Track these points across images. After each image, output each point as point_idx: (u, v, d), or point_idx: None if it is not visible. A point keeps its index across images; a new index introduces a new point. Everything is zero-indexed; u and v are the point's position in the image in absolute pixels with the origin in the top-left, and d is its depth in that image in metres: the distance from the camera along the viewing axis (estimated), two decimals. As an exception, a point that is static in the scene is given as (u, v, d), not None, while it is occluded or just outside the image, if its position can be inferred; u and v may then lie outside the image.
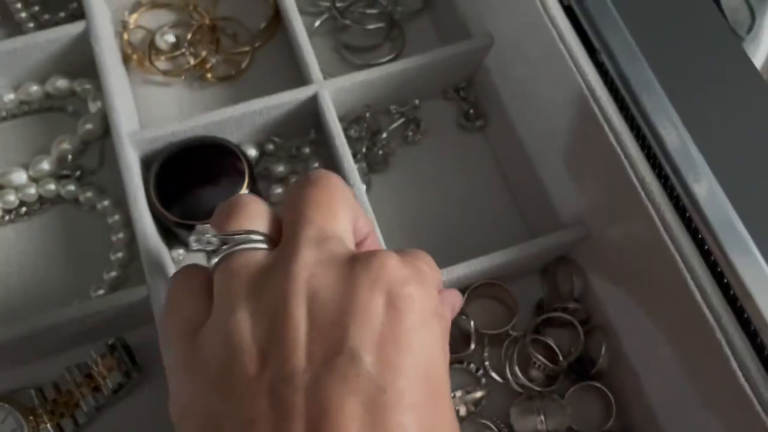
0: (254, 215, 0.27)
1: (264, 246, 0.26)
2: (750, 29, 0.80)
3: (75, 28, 0.47)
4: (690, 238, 0.35)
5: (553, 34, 0.40)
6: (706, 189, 0.35)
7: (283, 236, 0.27)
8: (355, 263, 0.25)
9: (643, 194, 0.36)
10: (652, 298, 0.38)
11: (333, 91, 0.45)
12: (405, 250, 0.28)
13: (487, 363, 0.42)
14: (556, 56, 0.40)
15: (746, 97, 0.39)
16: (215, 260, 0.26)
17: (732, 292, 0.33)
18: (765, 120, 0.38)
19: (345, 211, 0.27)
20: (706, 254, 0.34)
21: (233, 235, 0.26)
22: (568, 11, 0.40)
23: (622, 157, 0.37)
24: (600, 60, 0.39)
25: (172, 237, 0.44)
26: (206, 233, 0.26)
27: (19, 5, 0.52)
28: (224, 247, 0.26)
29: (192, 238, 0.27)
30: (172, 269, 0.44)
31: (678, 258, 0.34)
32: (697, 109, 0.37)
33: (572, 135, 0.41)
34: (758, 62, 0.86)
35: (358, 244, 0.29)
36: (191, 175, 0.43)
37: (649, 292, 0.38)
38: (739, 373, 0.32)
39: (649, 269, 0.37)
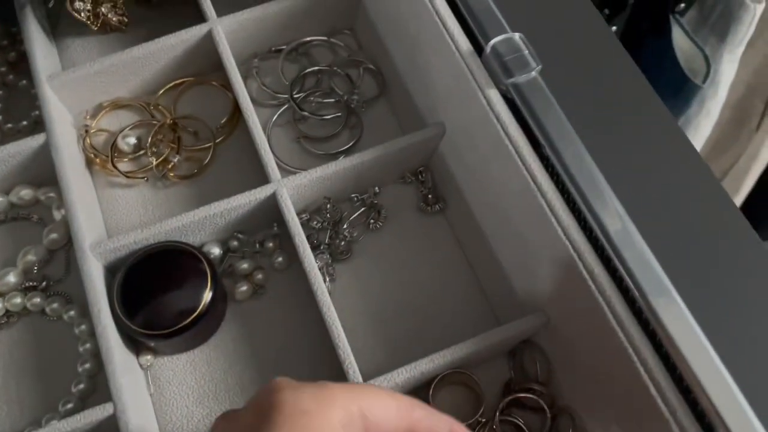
0: None
1: None
2: (706, 77, 0.82)
3: (36, 140, 0.47)
4: (640, 328, 0.35)
5: (498, 128, 0.41)
6: (650, 277, 0.36)
7: None
8: None
9: (593, 286, 0.37)
10: (607, 384, 0.38)
11: (291, 188, 0.46)
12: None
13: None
14: (502, 149, 0.41)
15: (687, 181, 0.40)
16: None
17: (685, 384, 0.34)
18: (700, 197, 0.40)
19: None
20: (657, 345, 0.35)
21: None
22: (512, 105, 0.42)
23: (571, 249, 0.38)
24: (544, 154, 0.40)
25: (139, 343, 0.45)
26: None
27: (-18, 115, 0.53)
28: None
29: None
30: (140, 378, 0.44)
31: (630, 349, 0.35)
32: (640, 197, 0.39)
33: (523, 224, 0.41)
34: (718, 105, 0.89)
35: None
36: (154, 282, 0.44)
37: (604, 379, 0.38)
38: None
39: (603, 357, 0.37)
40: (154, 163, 0.51)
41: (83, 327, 0.45)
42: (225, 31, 0.51)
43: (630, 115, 0.42)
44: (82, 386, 0.43)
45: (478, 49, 0.43)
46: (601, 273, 0.37)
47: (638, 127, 0.42)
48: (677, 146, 0.41)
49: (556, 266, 0.39)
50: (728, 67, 0.84)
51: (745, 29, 0.79)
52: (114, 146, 0.51)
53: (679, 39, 0.80)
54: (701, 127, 0.90)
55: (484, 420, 0.43)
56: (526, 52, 0.42)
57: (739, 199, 1.14)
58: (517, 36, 0.42)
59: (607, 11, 0.74)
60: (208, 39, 0.52)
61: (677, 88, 0.81)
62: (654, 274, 0.36)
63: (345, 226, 0.49)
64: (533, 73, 0.41)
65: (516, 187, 0.41)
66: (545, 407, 0.43)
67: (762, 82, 0.98)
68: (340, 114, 0.53)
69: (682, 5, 0.79)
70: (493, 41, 0.42)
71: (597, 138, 0.40)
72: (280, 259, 0.48)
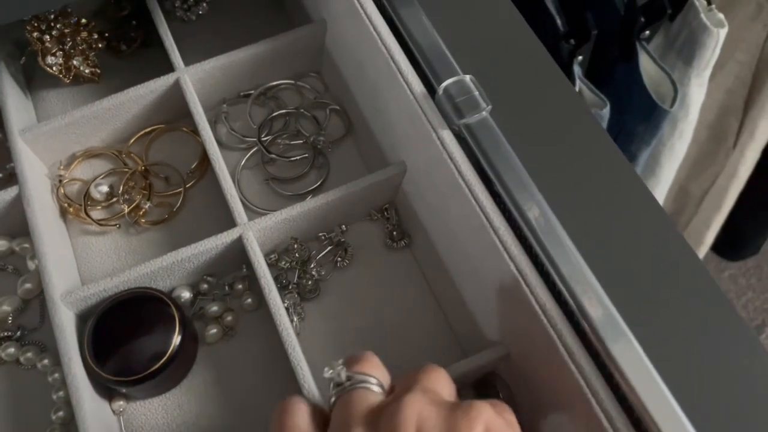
0: (376, 366, 0.34)
1: (379, 389, 0.33)
2: (673, 101, 0.84)
3: (8, 193, 0.49)
4: (591, 361, 0.36)
5: (451, 167, 0.42)
6: (601, 313, 0.37)
7: (395, 390, 0.33)
8: (457, 407, 0.31)
9: (544, 320, 0.38)
10: (564, 417, 0.39)
11: (258, 231, 0.47)
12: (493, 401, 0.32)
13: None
14: (457, 187, 0.42)
15: (638, 218, 0.41)
16: (335, 391, 0.33)
17: (635, 416, 0.35)
18: (652, 230, 0.41)
19: (450, 384, 0.34)
20: (608, 376, 0.36)
21: (358, 374, 0.33)
22: (464, 144, 0.43)
23: (524, 285, 0.39)
24: (496, 191, 0.41)
25: (111, 389, 0.46)
26: (339, 367, 0.33)
27: (-42, 170, 0.54)
28: (348, 382, 0.32)
29: (326, 369, 0.33)
30: (113, 424, 0.45)
31: (582, 382, 0.36)
32: (589, 232, 0.40)
33: (479, 260, 0.43)
34: (690, 127, 0.90)
35: None
36: (124, 328, 0.45)
37: (561, 412, 0.39)
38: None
39: (557, 389, 0.38)
40: (126, 210, 0.52)
41: (56, 375, 0.46)
42: (192, 79, 0.53)
43: (577, 149, 0.44)
44: (55, 434, 0.44)
45: (431, 90, 0.44)
46: (553, 307, 0.38)
47: (587, 163, 0.43)
48: (626, 181, 0.43)
49: (511, 301, 0.40)
50: (697, 90, 0.86)
51: (710, 53, 0.81)
52: (87, 195, 0.53)
53: (646, 64, 0.82)
54: (675, 149, 0.92)
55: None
56: (476, 93, 0.43)
57: (721, 217, 1.15)
58: (467, 78, 0.44)
59: (573, 41, 0.76)
60: (176, 87, 0.53)
61: (647, 113, 0.83)
62: (605, 308, 0.37)
63: (312, 265, 0.50)
64: (484, 113, 0.43)
65: (471, 224, 0.42)
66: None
67: (735, 102, 1.00)
68: (307, 155, 0.55)
69: (647, 32, 0.81)
70: (444, 83, 0.43)
71: (546, 174, 0.41)
72: (249, 300, 0.49)
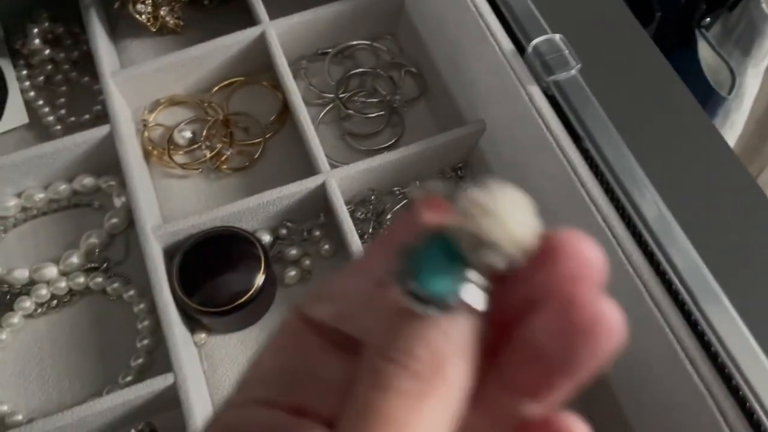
0: None
1: None
2: (731, 89, 0.84)
3: (100, 131, 0.51)
4: (677, 309, 0.37)
5: (539, 123, 0.44)
6: (685, 258, 0.38)
7: None
8: None
9: (631, 270, 0.39)
10: (646, 368, 0.40)
11: (339, 179, 0.49)
12: None
13: None
14: (544, 144, 0.43)
15: (718, 172, 0.42)
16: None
17: (720, 360, 0.36)
18: (734, 190, 0.42)
19: None
20: (692, 323, 0.37)
21: None
22: (553, 102, 0.44)
23: (610, 235, 0.40)
24: (584, 147, 0.42)
25: (194, 322, 0.47)
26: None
27: (46, 109, 0.56)
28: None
29: None
30: (195, 355, 0.46)
31: (667, 329, 0.37)
32: (676, 188, 0.41)
33: (562, 217, 0.44)
34: (742, 118, 0.90)
35: None
36: (211, 264, 0.46)
37: (644, 363, 0.40)
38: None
39: (642, 341, 0.39)
40: (208, 155, 0.54)
41: (142, 306, 0.48)
42: (277, 33, 0.54)
43: (664, 112, 0.45)
44: (140, 361, 0.46)
45: (519, 49, 0.46)
46: (640, 260, 0.39)
47: (673, 124, 0.44)
48: (712, 144, 0.44)
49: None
50: (752, 81, 0.86)
51: (770, 43, 0.81)
52: (170, 139, 0.54)
53: (704, 52, 0.82)
54: (726, 140, 0.92)
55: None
56: (566, 51, 0.44)
57: (761, 213, 1.15)
58: (557, 37, 0.45)
59: (635, 23, 0.76)
60: (261, 40, 0.55)
61: (703, 100, 0.83)
62: (691, 260, 0.38)
63: (388, 217, 0.51)
64: (573, 72, 0.44)
65: (556, 180, 0.43)
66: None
67: (785, 97, 1.00)
68: (382, 113, 0.56)
69: (708, 20, 0.82)
70: (534, 41, 0.45)
71: (634, 133, 0.42)
72: (326, 246, 0.50)
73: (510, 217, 0.16)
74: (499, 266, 0.16)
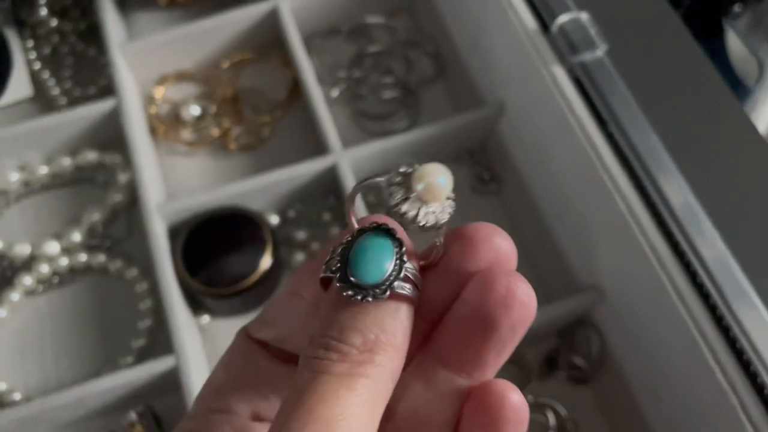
0: None
1: None
2: (758, 79, 0.81)
3: (106, 105, 0.49)
4: (701, 302, 0.35)
5: (562, 105, 0.42)
6: (713, 249, 0.36)
7: None
8: None
9: (653, 260, 0.37)
10: (665, 360, 0.38)
11: (351, 161, 0.47)
12: None
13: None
14: (566, 127, 0.41)
15: (748, 158, 0.40)
16: None
17: (744, 358, 0.34)
18: (765, 179, 0.40)
19: None
20: (717, 317, 0.35)
21: None
22: (577, 83, 0.42)
23: (633, 224, 0.38)
24: (609, 131, 0.40)
25: (197, 304, 0.46)
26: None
27: (52, 82, 0.54)
28: None
29: None
30: (196, 337, 0.45)
31: (690, 323, 0.35)
32: (703, 173, 0.39)
33: (584, 201, 0.42)
34: (766, 115, 0.88)
35: None
36: (215, 244, 0.45)
37: (663, 355, 0.38)
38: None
39: (664, 333, 0.38)
40: (216, 133, 0.52)
41: (144, 285, 0.46)
42: (290, 7, 0.53)
43: (693, 96, 0.42)
44: (141, 342, 0.44)
45: (543, 27, 0.43)
46: (663, 248, 0.37)
47: (702, 109, 0.42)
48: (742, 129, 0.41)
49: (617, 242, 0.39)
50: (780, 72, 0.84)
51: (800, 33, 0.78)
52: (178, 116, 0.53)
53: (731, 41, 0.79)
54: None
55: (530, 396, 0.44)
56: (593, 31, 0.42)
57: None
58: (583, 15, 0.42)
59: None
60: (274, 15, 0.53)
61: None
62: (719, 251, 0.36)
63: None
64: (599, 53, 0.42)
65: (578, 166, 0.41)
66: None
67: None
68: (397, 94, 0.54)
69: (736, 9, 0.79)
70: (560, 20, 0.42)
71: (661, 117, 0.40)
72: (336, 230, 0.49)
73: (431, 174, 0.18)
74: (430, 222, 0.19)
